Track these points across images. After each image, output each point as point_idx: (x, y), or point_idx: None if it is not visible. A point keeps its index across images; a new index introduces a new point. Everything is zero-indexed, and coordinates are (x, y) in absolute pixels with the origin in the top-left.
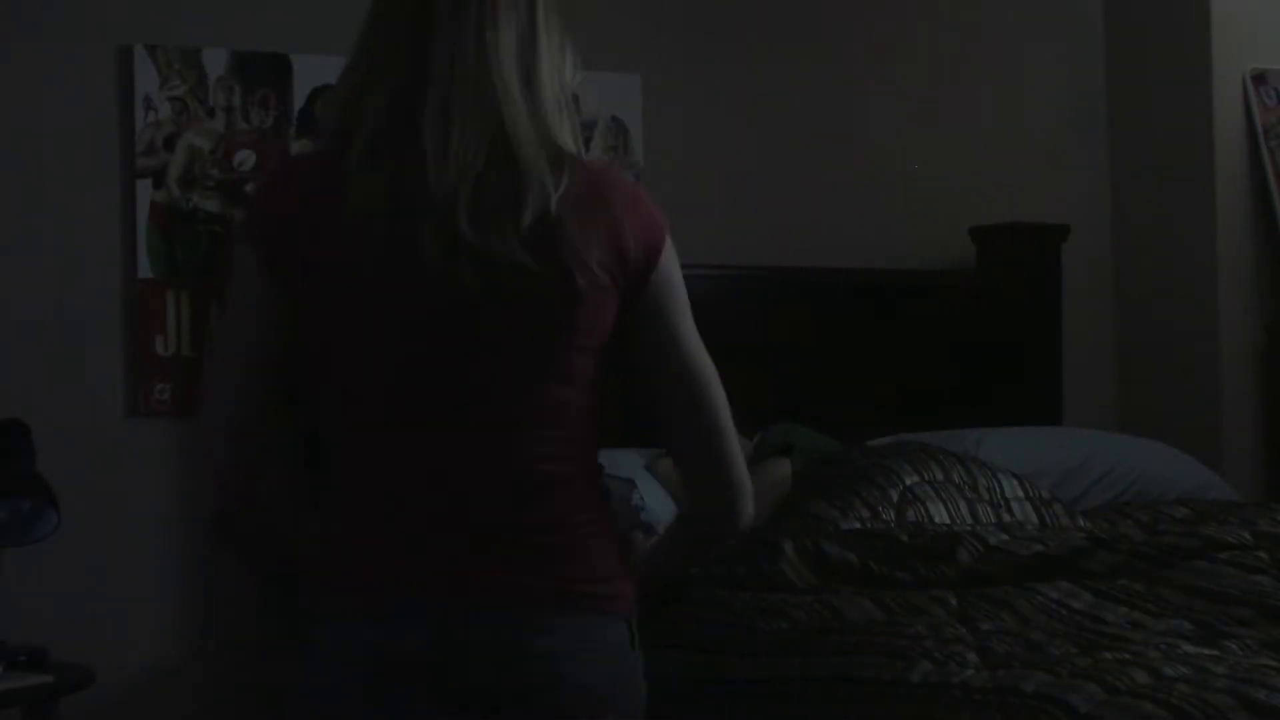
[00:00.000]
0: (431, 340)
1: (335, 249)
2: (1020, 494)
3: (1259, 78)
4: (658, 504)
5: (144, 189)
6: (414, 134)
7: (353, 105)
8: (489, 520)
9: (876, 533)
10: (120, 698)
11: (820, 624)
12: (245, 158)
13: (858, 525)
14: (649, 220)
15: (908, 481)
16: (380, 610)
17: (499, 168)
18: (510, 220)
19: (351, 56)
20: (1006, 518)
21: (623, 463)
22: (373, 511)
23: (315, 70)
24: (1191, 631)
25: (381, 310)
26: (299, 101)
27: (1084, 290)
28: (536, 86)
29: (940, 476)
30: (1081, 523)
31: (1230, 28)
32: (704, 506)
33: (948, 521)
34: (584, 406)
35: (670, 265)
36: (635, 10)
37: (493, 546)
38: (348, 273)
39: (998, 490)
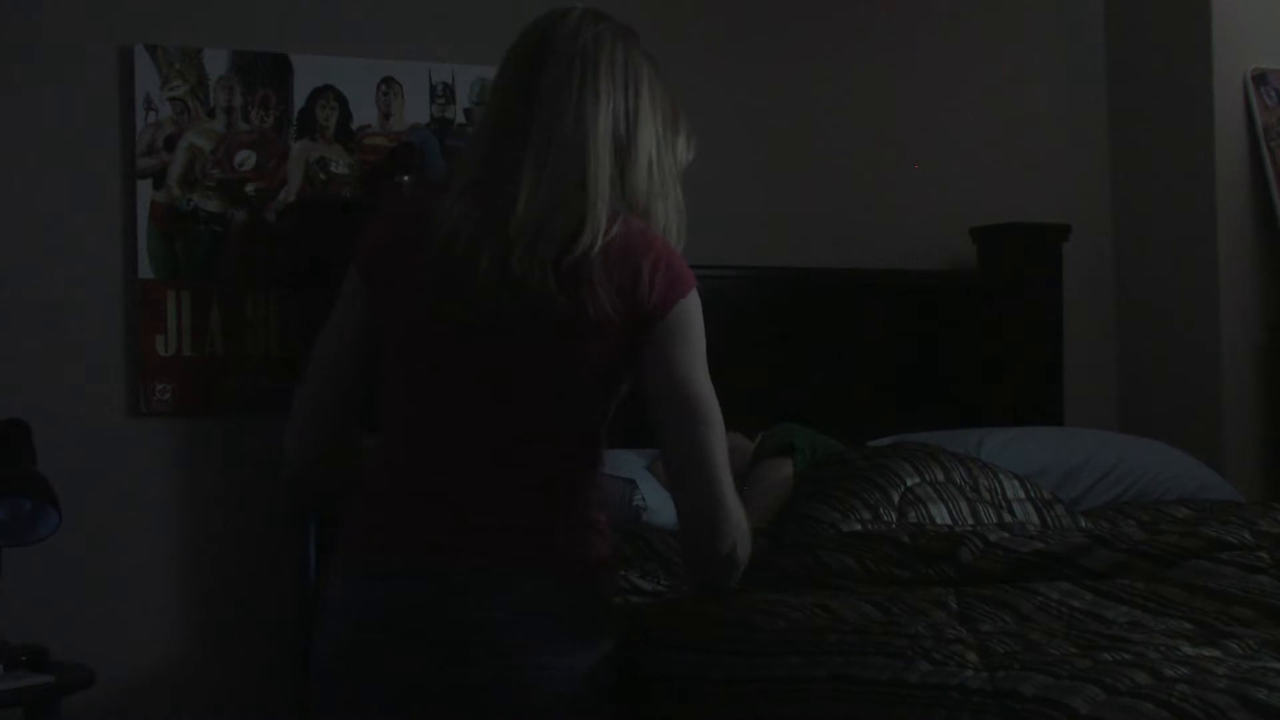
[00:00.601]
0: (460, 351)
1: (414, 267)
2: (1022, 495)
3: (1259, 78)
4: (659, 504)
5: (144, 189)
6: (511, 182)
7: (463, 160)
8: (474, 506)
9: (877, 534)
10: (121, 698)
11: (818, 624)
12: (246, 158)
13: (859, 527)
14: (672, 277)
15: (909, 482)
16: (372, 571)
17: (569, 216)
18: (553, 257)
19: (476, 124)
20: (1008, 518)
21: (624, 463)
22: (386, 490)
23: (316, 70)
24: (1192, 632)
25: (429, 320)
26: (299, 102)
27: (1085, 290)
28: (630, 154)
29: (941, 477)
30: (1082, 523)
31: (1231, 28)
32: (687, 531)
33: (949, 522)
34: (583, 422)
35: (684, 316)
36: (635, 11)
37: (472, 525)
38: (416, 287)
39: (999, 491)
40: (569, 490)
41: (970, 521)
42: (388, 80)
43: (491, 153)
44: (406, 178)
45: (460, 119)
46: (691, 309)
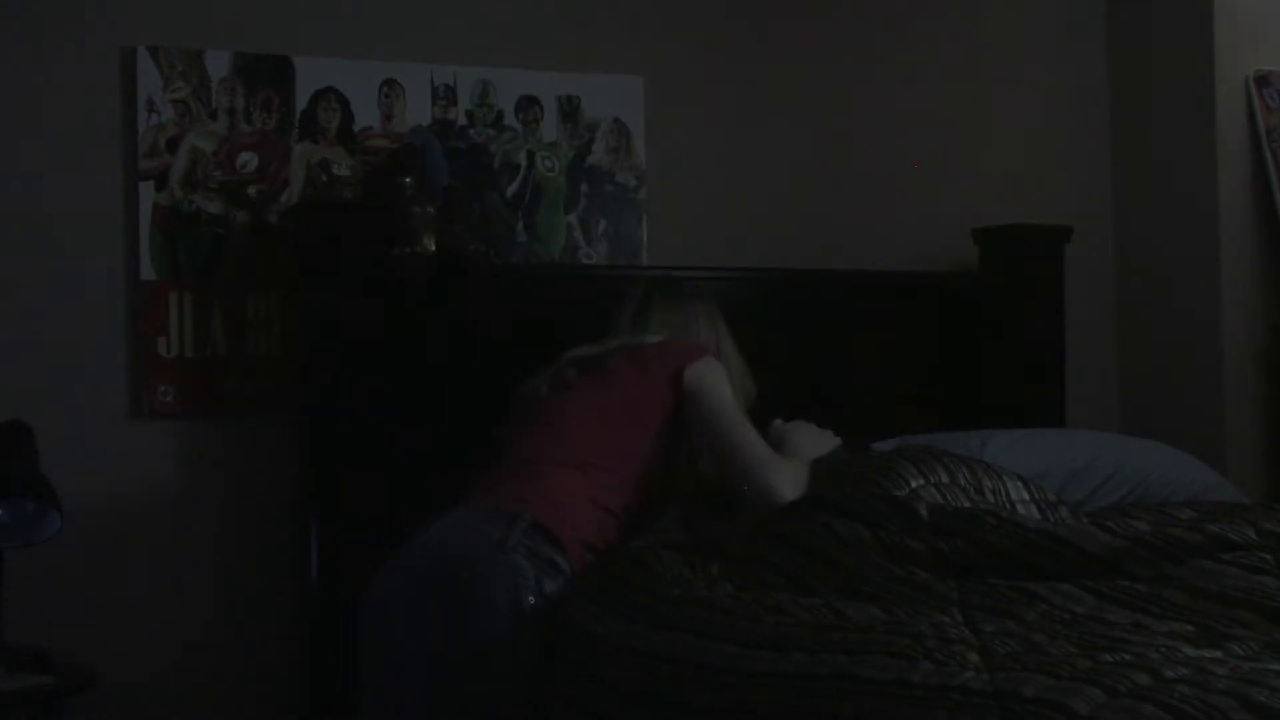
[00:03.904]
0: None
1: None
2: (1026, 496)
3: (1262, 79)
4: None
5: (146, 191)
6: None
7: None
8: None
9: (897, 500)
10: (123, 699)
11: (824, 622)
12: (248, 160)
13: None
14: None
15: (913, 484)
16: None
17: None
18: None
19: None
20: None
21: None
22: None
23: (318, 72)
24: (1193, 633)
25: None
26: (301, 104)
27: (1086, 291)
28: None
29: (946, 479)
30: (1086, 525)
31: (1233, 29)
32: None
33: None
34: None
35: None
36: (637, 12)
37: None
38: None
39: (1003, 493)
40: None
41: None
42: (389, 82)
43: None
44: (408, 180)
45: (462, 121)
46: (704, 369)
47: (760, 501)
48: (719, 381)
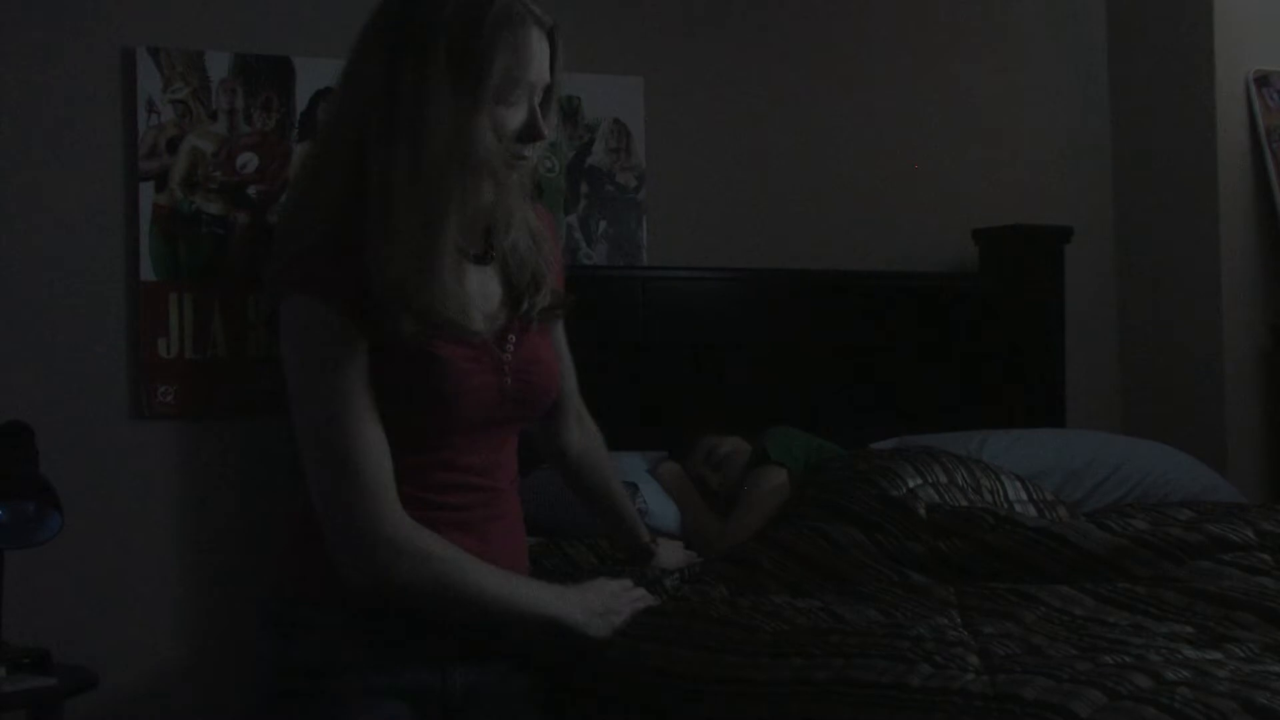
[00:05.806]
0: None
1: None
2: (1024, 496)
3: (1262, 79)
4: (659, 507)
5: (146, 191)
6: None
7: None
8: None
9: (895, 500)
10: (123, 700)
11: (821, 626)
12: (248, 160)
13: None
14: (274, 284)
15: (911, 484)
16: None
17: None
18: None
19: None
20: None
21: (625, 467)
22: None
23: (318, 73)
24: (1193, 635)
25: None
26: (301, 104)
27: (1087, 292)
28: (371, 147)
29: (944, 479)
30: (1084, 524)
31: (1233, 29)
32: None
33: None
34: None
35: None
36: (638, 12)
37: None
38: None
39: (1001, 492)
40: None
41: None
42: None
43: None
44: None
45: None
46: (283, 318)
47: (348, 556)
48: (302, 341)
